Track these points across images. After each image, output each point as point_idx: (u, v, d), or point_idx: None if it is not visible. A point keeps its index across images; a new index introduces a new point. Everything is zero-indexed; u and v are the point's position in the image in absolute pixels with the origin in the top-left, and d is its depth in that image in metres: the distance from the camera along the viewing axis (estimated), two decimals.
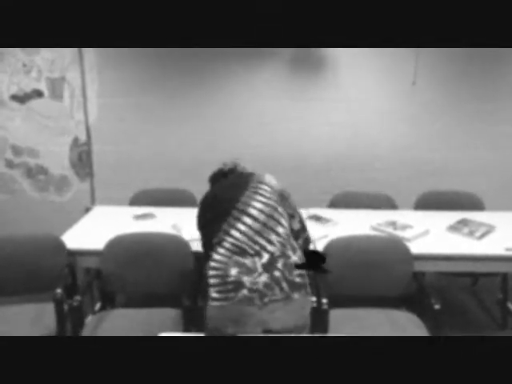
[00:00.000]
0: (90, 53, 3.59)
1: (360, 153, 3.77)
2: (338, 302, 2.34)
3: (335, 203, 3.24)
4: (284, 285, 1.70)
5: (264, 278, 1.68)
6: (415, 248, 2.47)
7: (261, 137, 3.74)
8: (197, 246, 2.46)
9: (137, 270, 2.42)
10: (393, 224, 2.76)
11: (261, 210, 1.78)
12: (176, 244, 2.44)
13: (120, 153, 3.79)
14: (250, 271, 1.69)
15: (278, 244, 1.75)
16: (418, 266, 2.47)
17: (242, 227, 1.75)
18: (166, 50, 3.56)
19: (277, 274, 1.70)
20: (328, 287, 2.34)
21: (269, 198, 1.83)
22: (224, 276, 1.69)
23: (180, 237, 2.49)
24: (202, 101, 3.69)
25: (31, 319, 2.28)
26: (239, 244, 1.72)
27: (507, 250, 2.52)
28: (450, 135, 3.76)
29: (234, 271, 1.69)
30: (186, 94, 3.67)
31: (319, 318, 2.07)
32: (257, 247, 1.72)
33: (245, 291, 1.66)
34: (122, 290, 2.60)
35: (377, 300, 2.44)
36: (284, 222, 1.83)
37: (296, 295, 1.72)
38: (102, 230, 2.72)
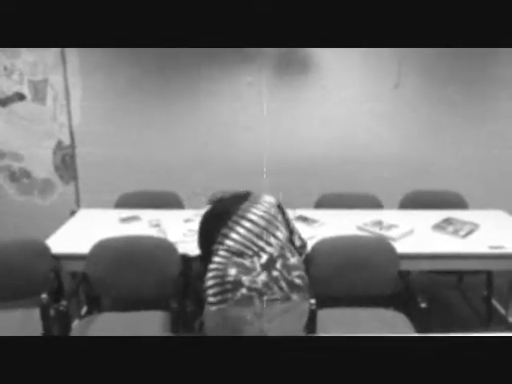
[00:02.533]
0: (73, 55, 3.55)
1: (346, 153, 3.79)
2: (326, 302, 2.34)
3: (322, 204, 3.25)
4: (283, 284, 1.72)
5: (263, 277, 1.70)
6: (401, 247, 2.49)
7: (246, 138, 3.74)
8: (183, 248, 2.46)
9: (123, 273, 2.40)
10: (379, 224, 2.78)
11: (261, 217, 1.81)
12: (162, 247, 2.43)
13: (104, 155, 3.76)
14: (248, 271, 1.70)
15: (276, 246, 1.77)
16: (404, 265, 2.48)
17: (241, 230, 1.77)
18: (149, 53, 3.54)
19: (275, 273, 1.72)
20: (315, 287, 2.34)
21: (268, 209, 1.86)
22: (223, 276, 1.70)
23: (166, 239, 2.48)
24: (187, 103, 3.67)
25: (17, 324, 2.25)
26: (238, 246, 1.74)
27: (491, 248, 2.55)
28: (433, 135, 3.81)
29: (233, 271, 1.70)
30: (169, 96, 3.66)
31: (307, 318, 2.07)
32: (255, 248, 1.74)
33: (244, 290, 1.67)
34: (107, 294, 2.58)
35: (364, 300, 2.45)
36: (283, 229, 1.87)
37: (295, 296, 1.74)
38: (88, 233, 2.69)
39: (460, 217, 2.97)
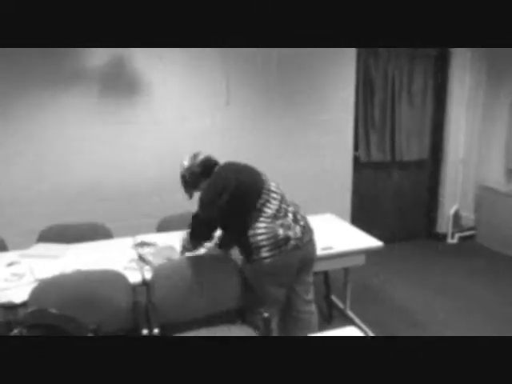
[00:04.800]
0: None
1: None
2: (172, 328, 2.27)
3: (165, 227, 3.17)
4: (307, 228, 2.39)
5: (298, 228, 2.30)
6: None
7: (72, 165, 3.49)
8: (5, 296, 2.17)
9: None
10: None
11: (275, 186, 2.42)
12: None
13: None
14: (289, 227, 2.27)
15: (290, 205, 2.40)
16: None
17: (272, 200, 2.32)
18: None
19: (301, 223, 2.36)
20: (160, 316, 2.27)
21: (272, 181, 2.47)
22: (275, 236, 2.22)
23: None
24: (5, 132, 3.31)
25: None
26: (274, 212, 2.28)
27: (323, 249, 2.74)
28: (265, 148, 4.01)
29: (280, 231, 2.24)
30: None
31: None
32: (283, 211, 2.32)
33: (292, 241, 2.25)
34: None
35: (215, 318, 2.43)
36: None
37: (312, 233, 2.45)
38: None
39: None
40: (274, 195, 2.35)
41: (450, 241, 5.05)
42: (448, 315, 3.40)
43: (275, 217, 2.27)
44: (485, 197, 4.91)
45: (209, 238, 2.46)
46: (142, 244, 2.80)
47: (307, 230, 2.38)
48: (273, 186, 2.40)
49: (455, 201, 5.04)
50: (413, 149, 4.81)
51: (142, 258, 2.55)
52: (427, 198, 5.14)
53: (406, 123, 4.70)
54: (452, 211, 5.01)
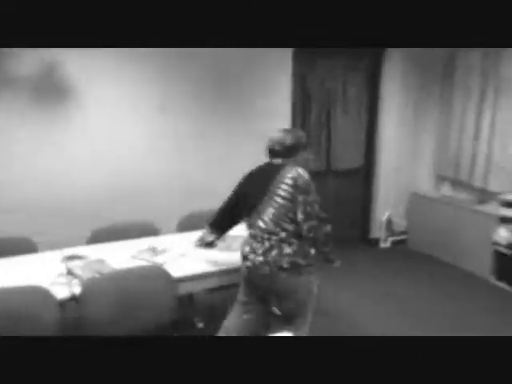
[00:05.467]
0: None
1: (116, 183, 3.68)
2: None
3: (96, 239, 3.07)
4: (272, 265, 2.28)
5: (260, 258, 2.29)
6: (178, 271, 2.51)
7: (2, 176, 3.32)
8: None
9: None
10: (153, 250, 2.75)
11: (276, 213, 2.28)
12: None
13: None
14: (254, 251, 2.33)
15: (277, 239, 2.28)
16: (184, 288, 2.52)
17: (259, 224, 2.33)
18: None
19: (269, 259, 2.28)
20: (90, 332, 2.18)
21: (283, 198, 2.27)
22: (242, 249, 2.43)
23: None
24: None
25: None
26: (253, 234, 2.37)
27: None
28: (203, 155, 4.00)
29: (246, 248, 2.39)
30: None
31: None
32: (260, 238, 2.32)
33: (248, 263, 2.36)
34: None
35: (149, 331, 2.36)
36: (291, 220, 2.29)
37: (283, 275, 2.29)
38: None
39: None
40: (266, 218, 2.30)
41: (382, 245, 5.24)
42: (380, 317, 3.51)
43: (250, 236, 2.41)
44: (416, 203, 5.15)
45: (228, 224, 2.67)
46: (72, 257, 2.69)
47: (273, 267, 2.26)
48: (270, 212, 2.29)
49: (388, 207, 5.24)
50: (348, 158, 4.97)
51: (70, 272, 2.44)
52: (361, 205, 5.31)
53: (341, 133, 4.85)
54: (385, 217, 5.21)
